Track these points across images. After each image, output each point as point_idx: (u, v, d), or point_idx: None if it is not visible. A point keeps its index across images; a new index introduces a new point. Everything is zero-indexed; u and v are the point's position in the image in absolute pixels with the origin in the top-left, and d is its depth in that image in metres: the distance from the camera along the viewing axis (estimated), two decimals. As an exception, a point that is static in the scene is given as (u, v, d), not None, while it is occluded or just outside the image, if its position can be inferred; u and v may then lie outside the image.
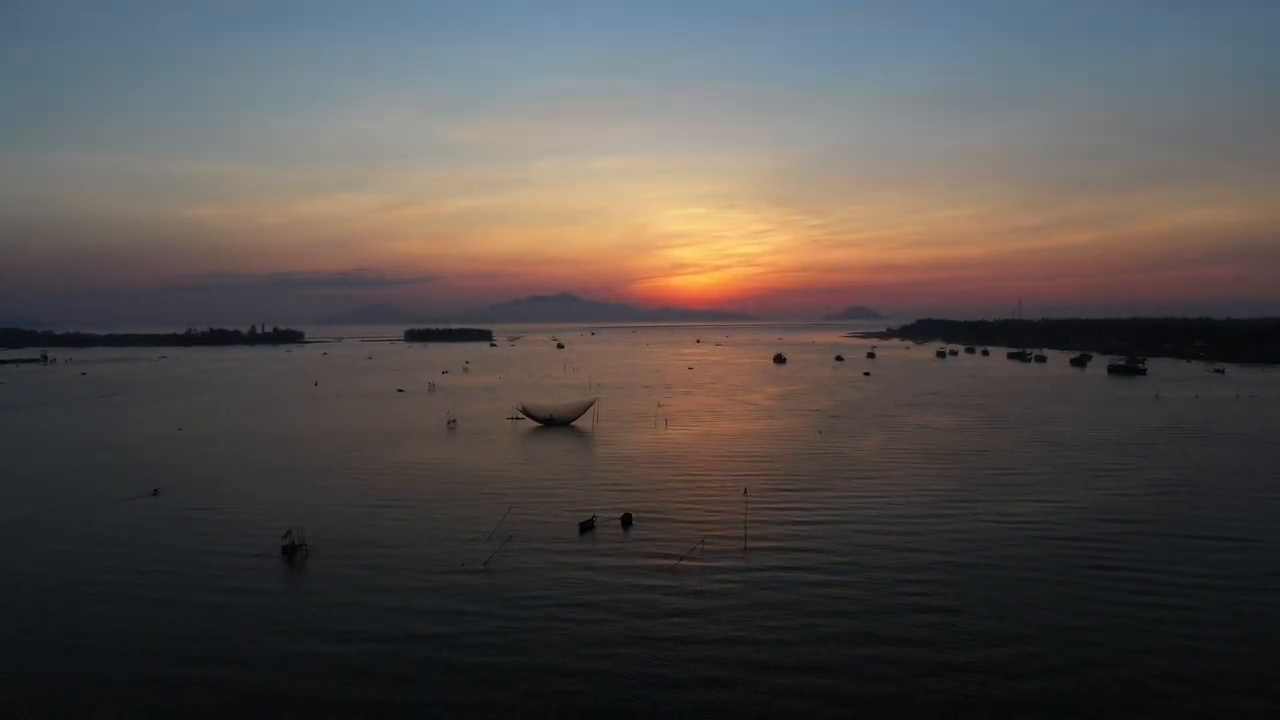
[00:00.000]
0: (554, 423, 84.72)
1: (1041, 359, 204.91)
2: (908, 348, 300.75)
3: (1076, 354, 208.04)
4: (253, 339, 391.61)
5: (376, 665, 25.67)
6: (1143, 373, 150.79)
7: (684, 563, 36.17)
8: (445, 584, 33.56)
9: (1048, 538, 39.69)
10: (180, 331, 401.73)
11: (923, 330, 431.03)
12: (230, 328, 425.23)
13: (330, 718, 22.52)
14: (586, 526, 42.15)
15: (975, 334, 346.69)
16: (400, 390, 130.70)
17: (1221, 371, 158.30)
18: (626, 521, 43.19)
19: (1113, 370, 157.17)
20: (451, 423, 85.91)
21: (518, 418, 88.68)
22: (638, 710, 22.72)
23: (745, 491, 46.94)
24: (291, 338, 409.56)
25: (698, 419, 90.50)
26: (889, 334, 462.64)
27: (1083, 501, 47.41)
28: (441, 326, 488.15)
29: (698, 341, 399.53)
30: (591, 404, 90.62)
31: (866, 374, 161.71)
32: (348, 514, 45.62)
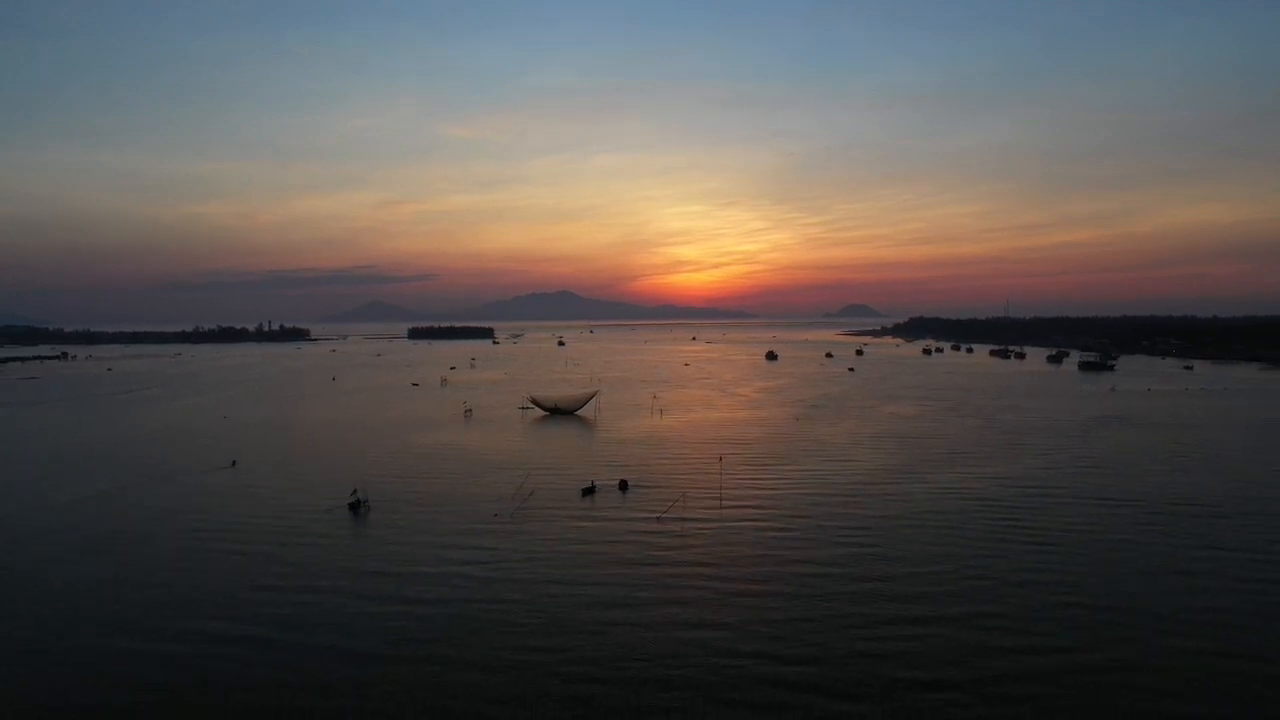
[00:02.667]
0: (559, 412, 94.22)
1: (1021, 355, 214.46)
2: (897, 345, 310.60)
3: (1053, 351, 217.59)
4: (260, 336, 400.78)
5: (430, 590, 34.18)
6: (1110, 369, 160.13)
7: (667, 515, 45.49)
8: (480, 532, 42.68)
9: (964, 499, 48.95)
10: (188, 329, 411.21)
11: (915, 328, 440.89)
12: (238, 325, 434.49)
13: (395, 625, 31.25)
14: (588, 491, 51.43)
15: (965, 332, 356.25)
16: (415, 384, 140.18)
17: (1190, 368, 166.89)
18: (623, 487, 52.47)
19: (1082, 366, 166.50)
20: (468, 412, 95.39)
21: (527, 408, 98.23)
22: (625, 618, 30.95)
23: (720, 459, 56.29)
24: (298, 335, 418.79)
25: (690, 409, 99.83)
26: (882, 332, 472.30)
27: (1004, 473, 56.77)
28: (444, 324, 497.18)
29: (693, 339, 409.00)
30: (594, 395, 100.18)
31: (851, 369, 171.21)
32: (394, 481, 54.91)
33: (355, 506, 46.72)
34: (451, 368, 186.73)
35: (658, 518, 45.02)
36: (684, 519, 44.83)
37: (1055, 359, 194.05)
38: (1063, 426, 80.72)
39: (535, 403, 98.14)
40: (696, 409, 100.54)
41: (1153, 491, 50.97)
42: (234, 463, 61.46)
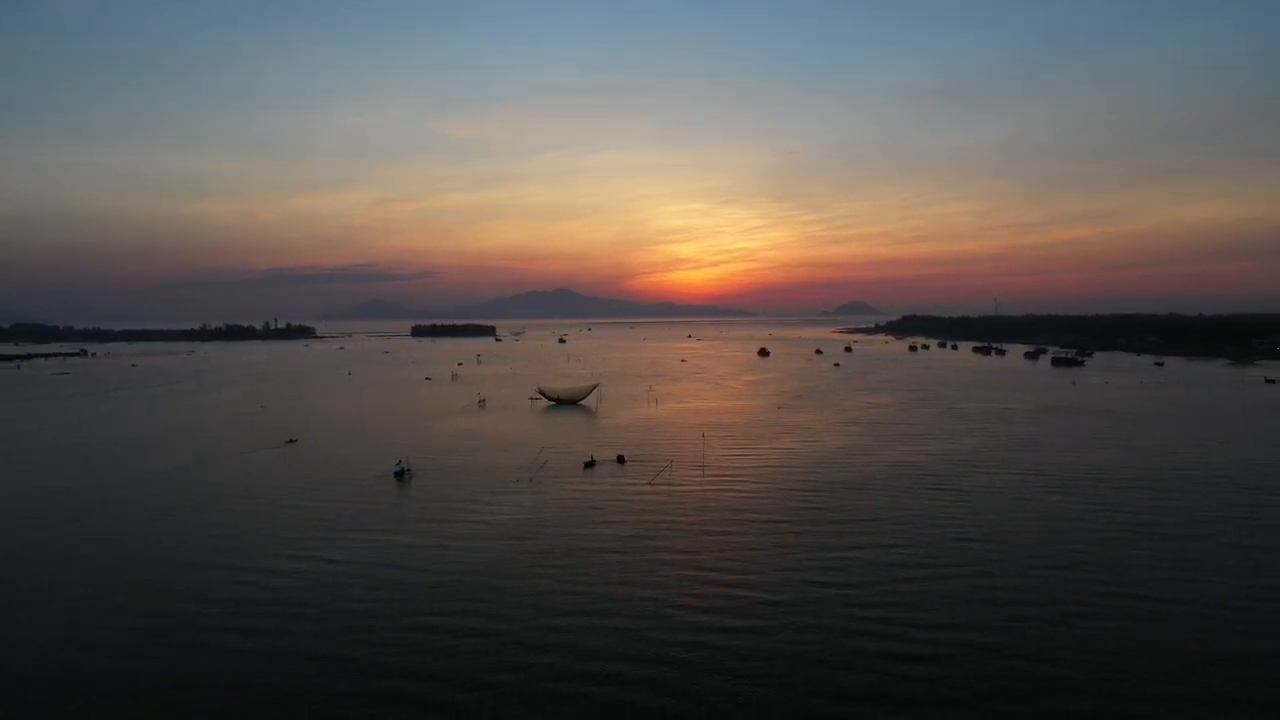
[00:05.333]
0: (564, 402, 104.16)
1: (1001, 352, 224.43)
2: (886, 343, 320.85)
3: (1032, 348, 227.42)
4: (268, 334, 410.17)
5: (462, 535, 43.48)
6: (1081, 364, 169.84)
7: (656, 482, 55.19)
8: (504, 494, 52.35)
9: (902, 469, 58.63)
10: (194, 327, 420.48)
11: (907, 326, 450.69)
12: (243, 323, 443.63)
13: (435, 559, 40.90)
14: (590, 464, 61.10)
15: (957, 330, 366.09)
16: (427, 379, 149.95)
17: (1160, 364, 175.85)
18: (620, 460, 62.21)
19: (1055, 361, 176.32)
20: (481, 402, 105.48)
21: (536, 398, 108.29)
22: (616, 559, 39.97)
23: (704, 437, 66.05)
24: (305, 333, 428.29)
25: (682, 400, 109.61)
26: (875, 329, 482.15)
27: (945, 449, 66.52)
28: (447, 322, 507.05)
29: (689, 337, 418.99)
30: (595, 387, 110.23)
31: (837, 365, 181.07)
32: (427, 456, 64.58)
33: (400, 474, 56.45)
34: (459, 363, 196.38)
35: (649, 483, 54.71)
36: (671, 485, 54.45)
37: (1032, 355, 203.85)
38: (1014, 414, 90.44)
39: (543, 393, 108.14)
40: (688, 399, 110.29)
41: (1065, 463, 60.67)
42: (293, 440, 71.37)
